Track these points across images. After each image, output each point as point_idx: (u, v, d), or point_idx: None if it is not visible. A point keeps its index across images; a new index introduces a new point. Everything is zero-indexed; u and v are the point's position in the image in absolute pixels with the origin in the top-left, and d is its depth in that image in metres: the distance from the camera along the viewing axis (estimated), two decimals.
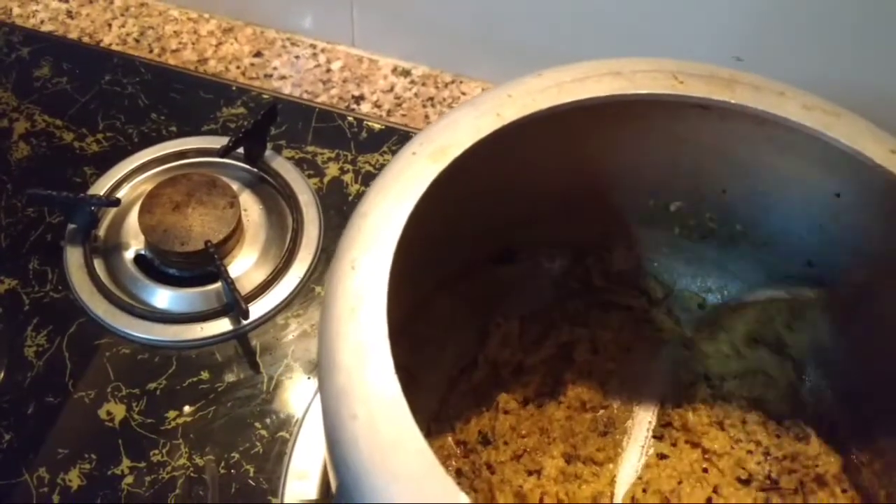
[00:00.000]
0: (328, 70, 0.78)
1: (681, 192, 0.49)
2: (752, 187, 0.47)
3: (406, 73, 0.79)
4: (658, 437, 0.51)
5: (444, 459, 0.48)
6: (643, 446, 0.51)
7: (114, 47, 0.78)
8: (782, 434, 0.49)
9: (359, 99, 0.76)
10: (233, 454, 0.53)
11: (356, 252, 0.35)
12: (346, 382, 0.32)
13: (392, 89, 0.77)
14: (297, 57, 0.79)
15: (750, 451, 0.49)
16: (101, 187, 0.64)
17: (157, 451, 0.53)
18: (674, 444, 0.51)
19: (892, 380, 0.45)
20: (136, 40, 0.79)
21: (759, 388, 0.51)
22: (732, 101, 0.41)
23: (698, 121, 0.44)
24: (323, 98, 0.75)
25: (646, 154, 0.47)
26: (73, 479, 0.52)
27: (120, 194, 0.64)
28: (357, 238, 0.36)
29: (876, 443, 0.47)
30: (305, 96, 0.75)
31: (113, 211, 0.63)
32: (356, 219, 0.37)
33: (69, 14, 0.81)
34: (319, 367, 0.34)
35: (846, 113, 0.42)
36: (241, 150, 0.65)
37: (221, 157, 0.64)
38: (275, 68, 0.78)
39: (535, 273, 0.51)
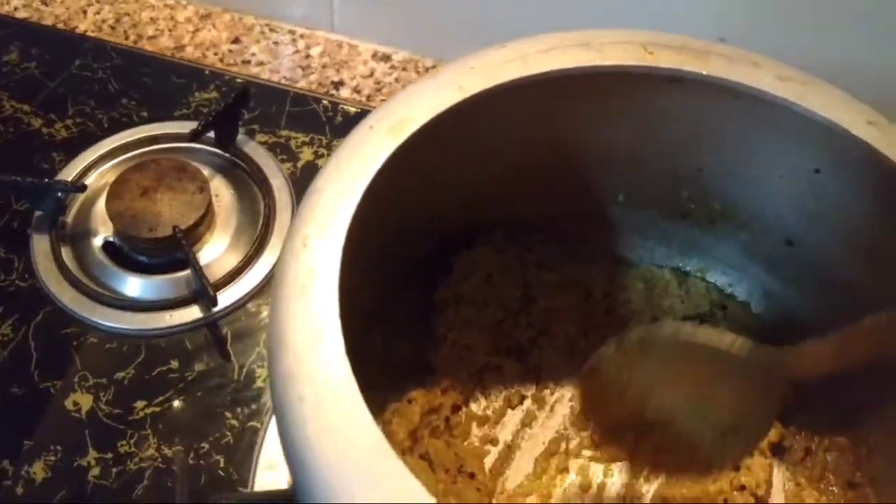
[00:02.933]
0: (307, 56, 0.77)
1: (656, 171, 0.48)
2: (729, 165, 0.46)
3: (386, 58, 0.77)
4: None
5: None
6: None
7: (89, 34, 0.76)
8: None
9: (338, 84, 0.74)
10: (202, 444, 0.52)
11: (308, 229, 0.34)
12: (293, 364, 0.31)
13: (372, 74, 0.76)
14: (275, 43, 0.78)
15: None
16: (69, 173, 0.63)
17: (124, 442, 0.52)
18: None
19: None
20: (112, 27, 0.78)
21: None
22: (704, 73, 0.40)
23: (671, 95, 0.42)
24: (302, 84, 0.74)
25: (618, 131, 0.45)
26: (38, 471, 0.50)
27: (88, 180, 0.62)
28: (310, 215, 0.34)
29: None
30: (284, 82, 0.74)
31: (81, 197, 0.61)
32: (310, 195, 0.35)
33: (43, 1, 0.79)
34: (269, 349, 0.32)
35: (822, 83, 0.40)
36: (212, 134, 0.64)
37: (191, 141, 0.62)
38: (253, 54, 0.77)
39: (501, 252, 0.50)
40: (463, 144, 0.40)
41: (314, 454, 0.29)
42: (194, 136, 0.61)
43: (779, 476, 0.47)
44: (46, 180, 0.60)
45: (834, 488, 0.46)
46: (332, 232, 0.33)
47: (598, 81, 0.40)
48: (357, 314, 0.34)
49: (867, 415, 0.45)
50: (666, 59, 0.40)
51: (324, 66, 0.76)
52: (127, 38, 0.76)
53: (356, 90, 0.74)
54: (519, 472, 0.47)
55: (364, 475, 0.28)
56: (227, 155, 0.64)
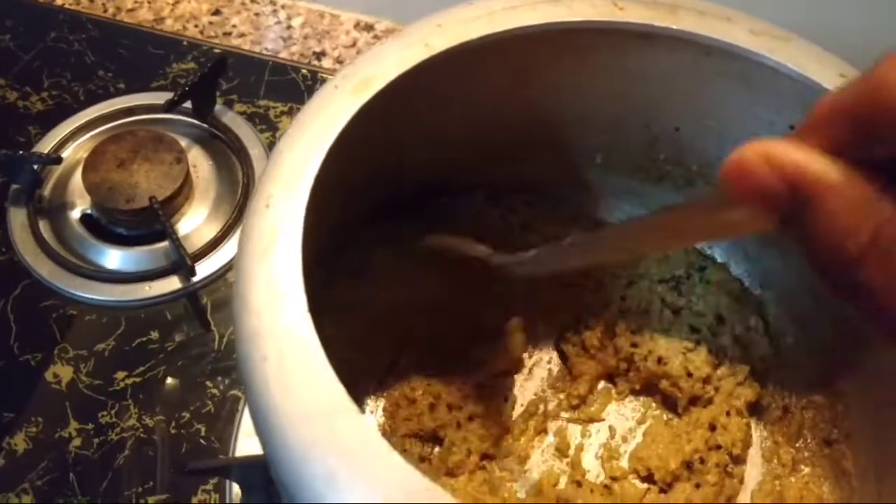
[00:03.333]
0: (289, 27, 0.76)
1: (632, 131, 0.47)
2: (705, 124, 0.46)
3: (369, 27, 0.76)
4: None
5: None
6: None
7: (67, 7, 0.75)
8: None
9: (320, 55, 0.74)
10: (183, 414, 0.52)
11: (272, 189, 0.33)
12: (257, 324, 0.30)
13: (355, 44, 0.75)
14: (256, 14, 0.77)
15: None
16: (45, 146, 0.62)
17: (105, 413, 0.52)
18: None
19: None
20: (90, 0, 0.77)
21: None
22: (675, 27, 0.39)
23: (643, 52, 0.42)
24: (284, 55, 0.73)
25: (592, 91, 0.45)
26: (19, 442, 0.51)
27: (65, 153, 0.62)
28: (273, 175, 0.34)
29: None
30: (266, 53, 0.73)
31: (58, 170, 0.61)
32: (274, 156, 0.35)
33: None
34: (233, 310, 0.32)
35: (795, 37, 0.40)
36: (190, 105, 0.63)
37: (167, 111, 0.62)
38: (234, 26, 0.76)
39: (473, 218, 0.50)
40: (432, 104, 0.40)
41: (277, 413, 0.29)
42: (170, 106, 0.61)
43: (756, 435, 0.47)
44: (21, 152, 0.59)
45: (811, 445, 0.46)
46: (295, 191, 0.33)
47: (567, 38, 0.40)
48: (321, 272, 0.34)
49: (844, 373, 0.45)
50: (636, 15, 0.39)
51: (305, 37, 0.75)
52: (105, 11, 0.76)
53: (338, 60, 0.73)
54: None
55: (327, 431, 0.28)
56: (204, 125, 0.64)
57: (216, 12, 0.77)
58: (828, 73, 0.38)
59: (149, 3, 0.77)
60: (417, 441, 0.46)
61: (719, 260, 0.51)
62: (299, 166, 0.34)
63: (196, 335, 0.55)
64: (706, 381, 0.46)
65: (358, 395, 0.47)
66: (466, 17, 0.38)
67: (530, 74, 0.43)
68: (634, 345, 0.47)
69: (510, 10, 0.38)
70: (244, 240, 0.33)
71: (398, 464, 0.27)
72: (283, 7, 0.78)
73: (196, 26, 0.75)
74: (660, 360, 0.46)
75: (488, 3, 0.39)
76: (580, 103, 0.46)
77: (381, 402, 0.47)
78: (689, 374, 0.46)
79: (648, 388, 0.48)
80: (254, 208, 0.33)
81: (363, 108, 0.35)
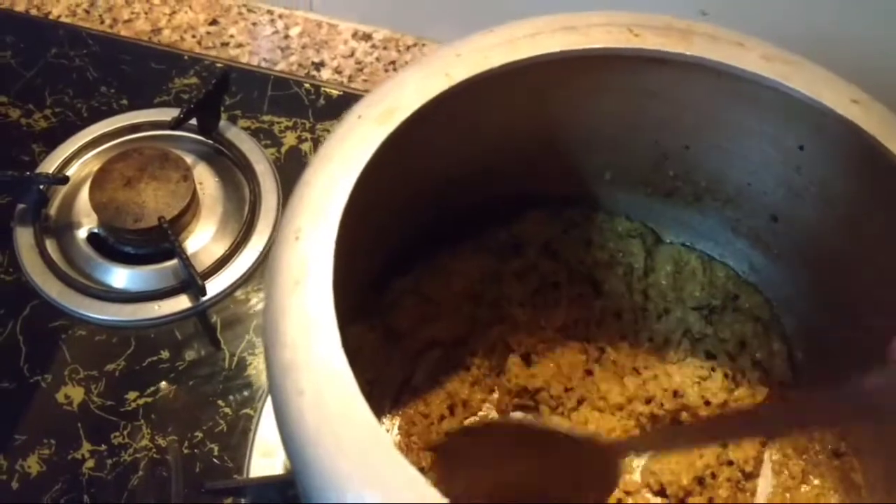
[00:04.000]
0: (286, 36, 0.76)
1: (642, 149, 0.48)
2: (714, 142, 0.46)
3: (367, 37, 0.76)
4: None
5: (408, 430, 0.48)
6: None
7: (63, 19, 0.75)
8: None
9: (319, 65, 0.74)
10: (196, 433, 0.52)
11: (300, 222, 0.34)
12: (291, 358, 0.31)
13: (353, 54, 0.75)
14: (254, 24, 0.77)
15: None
16: (50, 165, 0.62)
17: (118, 434, 0.52)
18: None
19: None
20: (87, 11, 0.76)
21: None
22: (689, 54, 0.40)
23: (657, 76, 0.42)
24: (282, 66, 0.73)
25: (605, 111, 0.45)
26: (33, 465, 0.50)
27: (70, 171, 0.62)
28: (301, 207, 0.34)
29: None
30: (264, 64, 0.73)
31: (64, 189, 0.61)
32: (300, 187, 0.35)
33: None
34: (265, 343, 0.32)
35: (807, 63, 0.40)
36: (194, 122, 0.63)
37: (173, 129, 0.61)
38: (231, 36, 0.76)
39: (491, 236, 0.50)
40: (450, 130, 0.40)
41: (314, 448, 0.29)
42: (176, 124, 0.61)
43: (766, 447, 0.48)
44: (28, 173, 0.59)
45: (820, 457, 0.47)
46: (324, 223, 0.33)
47: (584, 64, 0.40)
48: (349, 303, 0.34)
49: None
50: (651, 41, 0.40)
51: (303, 47, 0.75)
52: (102, 23, 0.75)
53: (337, 70, 0.73)
54: None
55: (364, 468, 0.29)
56: (209, 142, 0.64)
57: (213, 22, 0.77)
58: (841, 100, 0.39)
59: (146, 14, 0.77)
60: None
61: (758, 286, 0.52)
62: (327, 197, 0.34)
63: (206, 354, 0.55)
64: (723, 405, 0.46)
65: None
66: (486, 46, 0.39)
67: (545, 95, 0.44)
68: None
69: (529, 39, 0.39)
70: (273, 272, 0.33)
71: (436, 500, 0.27)
72: (280, 17, 0.78)
73: (193, 37, 0.75)
74: (675, 394, 0.47)
75: (508, 32, 0.39)
76: (591, 121, 0.47)
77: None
78: (707, 403, 0.46)
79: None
80: (282, 241, 0.34)
81: (388, 138, 0.36)
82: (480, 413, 0.49)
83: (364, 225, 0.36)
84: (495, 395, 0.50)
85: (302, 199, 0.34)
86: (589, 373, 0.50)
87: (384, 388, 0.48)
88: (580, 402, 0.49)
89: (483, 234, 0.51)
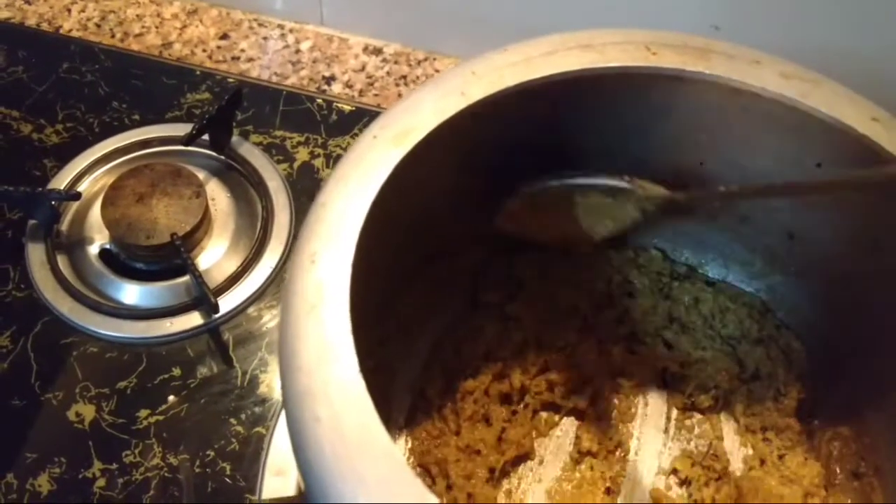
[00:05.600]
0: (297, 51, 0.76)
1: (657, 167, 0.48)
2: (730, 159, 0.46)
3: (378, 51, 0.76)
4: None
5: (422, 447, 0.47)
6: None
7: (74, 33, 0.75)
8: None
9: (329, 79, 0.74)
10: (208, 452, 0.52)
11: (316, 245, 0.33)
12: (308, 384, 0.30)
13: (364, 68, 0.75)
14: (264, 38, 0.77)
15: None
16: (61, 180, 0.62)
17: (129, 452, 0.52)
18: None
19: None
20: (98, 25, 0.76)
21: None
22: (707, 72, 0.40)
23: (673, 92, 0.42)
24: (292, 80, 0.73)
25: (621, 129, 0.45)
26: (43, 483, 0.50)
27: (82, 187, 0.62)
28: (316, 230, 0.34)
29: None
30: (274, 79, 0.73)
31: (75, 204, 0.61)
32: (315, 209, 0.35)
33: (26, 0, 0.78)
34: (281, 368, 0.32)
35: (825, 80, 0.40)
36: (206, 137, 0.63)
37: (186, 145, 0.61)
38: (242, 50, 0.76)
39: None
40: (465, 149, 0.40)
41: (333, 475, 0.29)
42: (189, 139, 0.61)
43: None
44: (40, 189, 0.59)
45: (840, 477, 0.46)
46: (340, 246, 0.33)
47: (601, 83, 0.40)
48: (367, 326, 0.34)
49: (868, 406, 0.46)
50: (668, 60, 0.40)
51: (314, 61, 0.75)
52: (113, 37, 0.75)
53: (348, 85, 0.73)
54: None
55: (383, 495, 0.28)
56: (222, 157, 0.64)
57: (224, 37, 0.77)
58: (861, 118, 0.38)
59: (156, 27, 0.77)
60: None
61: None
62: (343, 220, 0.34)
63: (219, 371, 0.55)
64: None
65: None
66: (502, 64, 0.38)
67: (559, 115, 0.43)
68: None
69: (545, 57, 0.39)
70: (289, 296, 0.33)
71: None
72: (290, 31, 0.78)
73: (204, 51, 0.75)
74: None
75: (524, 50, 0.39)
76: (605, 136, 0.46)
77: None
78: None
79: None
80: (298, 264, 0.33)
81: (404, 159, 0.35)
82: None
83: (380, 245, 0.35)
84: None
85: (318, 220, 0.34)
86: None
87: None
88: None
89: None
